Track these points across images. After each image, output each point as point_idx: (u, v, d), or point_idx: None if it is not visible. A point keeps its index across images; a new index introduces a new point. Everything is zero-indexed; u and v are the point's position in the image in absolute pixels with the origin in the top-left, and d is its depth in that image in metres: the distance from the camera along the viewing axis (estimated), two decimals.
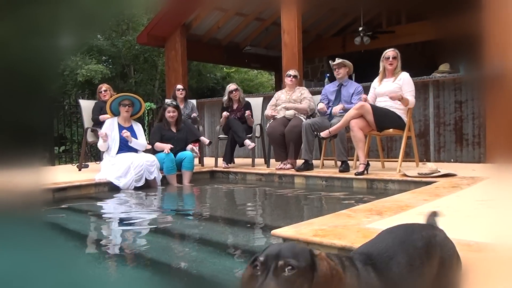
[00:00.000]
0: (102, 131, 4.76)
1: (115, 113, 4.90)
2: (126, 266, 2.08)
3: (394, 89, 4.38)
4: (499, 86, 1.34)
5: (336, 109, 4.79)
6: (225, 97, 5.79)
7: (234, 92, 5.73)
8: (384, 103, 4.45)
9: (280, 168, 4.95)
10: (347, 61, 5.02)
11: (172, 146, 4.91)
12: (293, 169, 4.85)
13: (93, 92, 6.44)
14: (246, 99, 5.97)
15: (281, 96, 5.41)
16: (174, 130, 5.14)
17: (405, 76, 4.43)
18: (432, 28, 7.59)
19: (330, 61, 5.09)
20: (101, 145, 4.80)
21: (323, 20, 9.78)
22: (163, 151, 4.87)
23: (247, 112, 5.62)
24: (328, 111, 5.03)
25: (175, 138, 5.08)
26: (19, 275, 2.01)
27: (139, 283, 1.80)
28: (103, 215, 3.59)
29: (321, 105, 4.91)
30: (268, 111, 5.38)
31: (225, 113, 5.63)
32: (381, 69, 4.59)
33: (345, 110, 4.63)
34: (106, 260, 2.19)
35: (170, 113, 5.10)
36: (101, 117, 5.43)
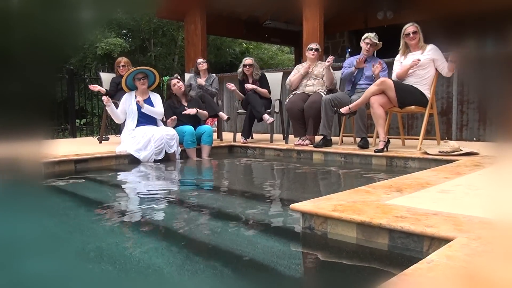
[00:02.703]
0: (105, 98, 4.75)
1: (132, 89, 4.93)
2: (145, 236, 2.12)
3: (424, 61, 4.30)
4: None
5: (377, 69, 4.66)
6: (240, 69, 5.75)
7: (248, 67, 5.66)
8: (408, 78, 4.37)
9: (299, 144, 4.94)
10: (380, 43, 4.93)
11: (196, 110, 4.98)
12: (311, 145, 4.83)
13: (112, 65, 6.46)
14: (266, 73, 5.90)
15: (301, 70, 5.34)
16: (185, 103, 5.13)
17: (434, 47, 4.36)
18: (459, 2, 7.33)
19: (370, 34, 4.93)
20: (111, 112, 4.79)
21: None
22: (186, 123, 4.92)
23: (249, 86, 5.52)
24: (349, 87, 4.97)
25: None
26: (44, 240, 2.08)
27: (157, 253, 1.84)
28: (123, 187, 3.65)
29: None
30: (291, 78, 5.32)
31: (249, 86, 5.56)
32: (401, 45, 4.50)
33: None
34: (126, 230, 2.23)
35: (176, 85, 5.10)
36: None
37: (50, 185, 3.41)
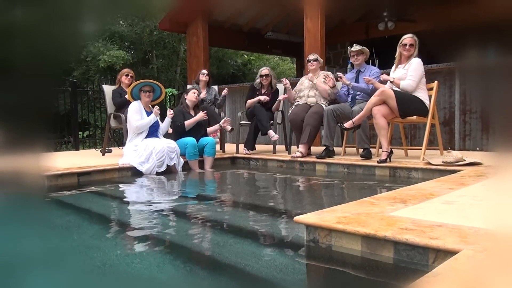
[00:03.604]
0: (153, 112, 4.82)
1: (136, 99, 4.94)
2: (149, 249, 2.11)
3: (402, 75, 4.29)
4: None
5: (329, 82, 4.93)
6: (257, 80, 5.80)
7: (264, 77, 5.71)
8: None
9: (296, 157, 4.87)
10: (365, 48, 4.97)
11: (206, 113, 5.07)
12: (314, 156, 4.82)
13: (115, 78, 6.49)
14: None
15: (304, 81, 5.37)
16: (193, 114, 5.15)
17: (413, 61, 4.31)
18: (460, 13, 7.36)
19: (348, 47, 5.05)
20: (142, 124, 4.71)
21: (346, 4, 9.61)
22: (189, 134, 4.95)
23: (281, 97, 5.57)
24: (349, 99, 4.97)
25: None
26: (47, 254, 2.07)
27: (161, 267, 1.83)
28: (126, 199, 3.64)
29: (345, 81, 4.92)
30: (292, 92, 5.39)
31: (263, 98, 5.62)
32: (397, 54, 4.48)
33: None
34: (129, 243, 2.22)
35: (195, 94, 5.14)
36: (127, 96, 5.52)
37: (53, 198, 3.41)
